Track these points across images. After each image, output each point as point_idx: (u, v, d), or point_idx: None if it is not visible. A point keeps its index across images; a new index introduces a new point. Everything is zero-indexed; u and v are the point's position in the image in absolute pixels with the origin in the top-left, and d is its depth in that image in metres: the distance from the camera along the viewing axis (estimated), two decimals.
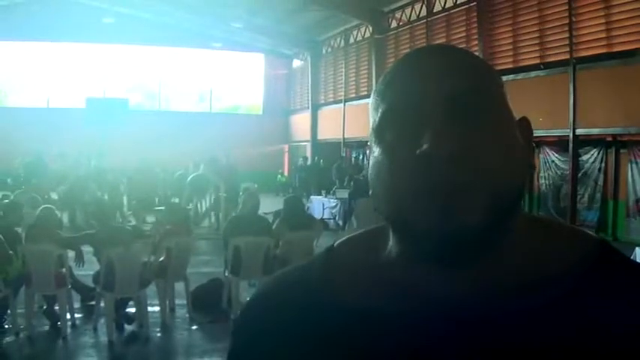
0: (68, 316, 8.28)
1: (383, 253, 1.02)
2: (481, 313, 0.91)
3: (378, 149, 0.97)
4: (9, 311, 8.04)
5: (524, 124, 1.02)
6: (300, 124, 35.30)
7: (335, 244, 1.12)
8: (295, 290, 1.05)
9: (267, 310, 1.06)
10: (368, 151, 1.04)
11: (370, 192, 0.99)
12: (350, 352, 0.95)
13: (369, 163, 1.00)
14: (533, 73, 17.98)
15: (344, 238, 1.13)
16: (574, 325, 0.90)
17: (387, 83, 0.98)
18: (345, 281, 1.02)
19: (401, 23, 25.52)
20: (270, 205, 13.17)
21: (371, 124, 0.99)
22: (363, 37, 28.90)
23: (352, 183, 19.49)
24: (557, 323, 0.90)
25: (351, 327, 0.96)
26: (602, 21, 15.73)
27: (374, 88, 1.03)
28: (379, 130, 0.97)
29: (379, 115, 0.97)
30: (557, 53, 17.17)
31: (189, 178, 20.09)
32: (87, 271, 9.01)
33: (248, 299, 1.14)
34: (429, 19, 23.44)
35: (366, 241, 1.08)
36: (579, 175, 16.74)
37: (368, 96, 28.22)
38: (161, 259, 8.88)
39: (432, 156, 0.88)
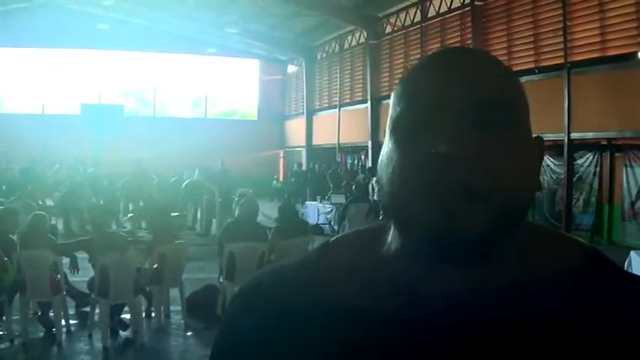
0: (63, 322, 8.25)
1: (379, 251, 1.01)
2: (477, 315, 0.90)
3: (391, 141, 0.95)
4: (4, 318, 8.02)
5: (538, 143, 1.01)
6: (295, 129, 35.32)
7: (330, 241, 1.11)
8: (288, 285, 1.03)
9: (256, 305, 1.04)
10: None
11: (376, 183, 0.99)
12: (342, 350, 0.94)
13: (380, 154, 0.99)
14: (527, 78, 17.97)
15: (339, 236, 1.13)
16: (564, 328, 0.90)
17: (414, 78, 0.97)
18: (340, 278, 1.01)
19: (395, 28, 25.55)
20: (265, 211, 13.16)
21: (390, 115, 0.98)
22: (357, 42, 28.93)
23: (354, 187, 19.42)
24: (549, 330, 0.90)
25: (344, 324, 0.95)
26: (597, 25, 15.78)
27: (398, 81, 1.01)
28: (397, 123, 0.95)
29: (400, 107, 0.95)
30: (552, 57, 17.21)
31: (184, 184, 20.09)
32: (82, 277, 8.99)
33: (239, 288, 1.11)
34: (423, 24, 23.48)
35: (362, 239, 1.07)
36: (574, 179, 16.77)
37: (363, 101, 28.19)
38: (154, 265, 8.85)
39: (448, 155, 0.87)
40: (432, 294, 0.93)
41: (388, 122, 0.98)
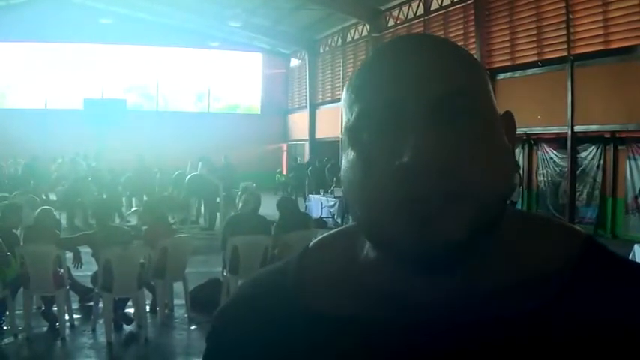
0: (67, 316, 8.25)
1: (359, 255, 0.98)
2: (464, 318, 0.87)
3: (352, 153, 0.89)
4: (7, 312, 8.02)
5: (508, 118, 0.95)
6: (298, 123, 35.32)
7: (310, 245, 1.08)
8: (269, 296, 1.01)
9: (241, 317, 1.02)
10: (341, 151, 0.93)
11: (344, 197, 0.94)
12: (331, 358, 0.92)
13: (342, 164, 0.93)
14: (530, 71, 18.00)
15: (319, 239, 1.09)
16: (560, 325, 0.86)
17: (364, 79, 0.90)
18: (319, 286, 0.98)
19: (398, 21, 25.52)
20: (268, 205, 13.18)
21: (344, 123, 0.92)
22: (360, 35, 28.92)
23: None
24: (542, 325, 0.86)
25: (331, 332, 0.93)
26: (600, 18, 15.76)
27: (348, 81, 0.94)
28: (354, 132, 0.89)
29: (354, 115, 0.89)
30: (555, 50, 17.19)
31: (187, 178, 20.08)
32: (85, 271, 9.00)
33: (221, 305, 1.09)
34: (426, 17, 23.45)
35: (342, 241, 1.03)
36: (578, 172, 16.76)
37: None
38: (157, 259, 8.84)
39: (413, 168, 0.82)
40: (420, 299, 0.90)
41: (344, 129, 0.92)
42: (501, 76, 18.96)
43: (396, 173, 0.83)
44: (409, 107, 0.85)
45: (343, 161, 0.92)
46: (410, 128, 0.84)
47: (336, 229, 1.10)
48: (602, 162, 16.31)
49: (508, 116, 0.96)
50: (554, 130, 17.21)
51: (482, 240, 0.87)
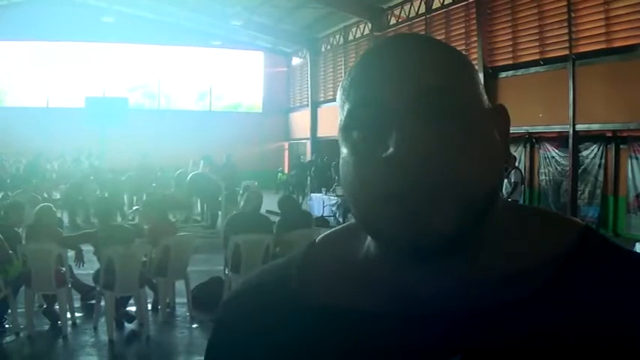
0: (68, 315, 8.27)
1: (363, 250, 0.99)
2: (464, 310, 0.88)
3: (345, 150, 0.93)
4: (9, 311, 8.03)
5: (500, 112, 0.97)
6: (300, 121, 35.30)
7: (316, 240, 1.09)
8: (273, 290, 1.02)
9: (244, 311, 1.03)
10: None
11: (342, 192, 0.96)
12: (339, 351, 0.92)
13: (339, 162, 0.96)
14: (532, 69, 17.98)
15: (325, 234, 1.10)
16: (556, 315, 0.87)
17: (353, 79, 0.93)
18: (323, 281, 0.99)
19: (400, 20, 25.51)
20: (271, 203, 13.18)
21: (338, 122, 0.94)
22: (362, 34, 28.90)
23: None
24: (539, 314, 0.87)
25: (329, 329, 0.94)
26: (602, 17, 15.74)
27: (341, 82, 0.97)
28: (345, 130, 0.92)
29: (345, 113, 0.92)
30: (557, 49, 17.17)
31: (189, 177, 20.08)
32: (87, 270, 9.01)
33: (225, 298, 1.10)
34: (427, 15, 23.43)
35: (346, 237, 1.04)
36: (579, 170, 16.75)
37: None
38: (159, 257, 8.85)
39: (399, 160, 0.84)
40: (420, 292, 0.91)
41: (338, 128, 0.95)
42: (503, 74, 18.96)
43: (382, 166, 0.86)
44: (393, 102, 0.87)
45: (340, 156, 0.95)
46: (394, 122, 0.86)
47: (341, 226, 1.11)
48: (603, 160, 16.30)
49: (500, 109, 0.98)
50: (556, 128, 17.20)
51: (473, 231, 0.89)
